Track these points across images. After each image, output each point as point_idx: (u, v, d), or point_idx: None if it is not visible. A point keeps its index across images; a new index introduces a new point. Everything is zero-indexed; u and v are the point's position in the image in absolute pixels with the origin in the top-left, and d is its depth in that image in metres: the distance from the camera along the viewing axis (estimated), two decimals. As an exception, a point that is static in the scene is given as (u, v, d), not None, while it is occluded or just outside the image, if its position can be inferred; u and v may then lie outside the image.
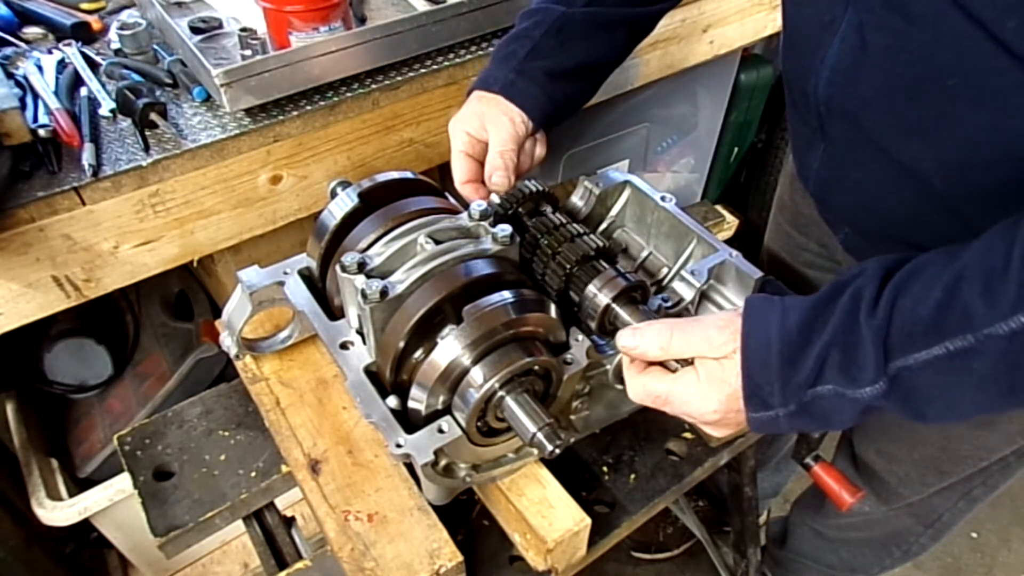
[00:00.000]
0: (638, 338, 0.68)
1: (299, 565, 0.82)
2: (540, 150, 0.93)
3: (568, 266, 0.77)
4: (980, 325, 0.52)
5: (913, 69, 0.68)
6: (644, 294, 0.78)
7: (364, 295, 0.68)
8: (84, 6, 1.24)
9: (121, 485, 1.35)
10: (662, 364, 0.70)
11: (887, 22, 0.68)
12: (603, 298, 0.75)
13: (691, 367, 0.67)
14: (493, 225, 0.76)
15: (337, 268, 0.72)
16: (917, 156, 0.74)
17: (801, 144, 0.96)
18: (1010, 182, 0.69)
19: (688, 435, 0.91)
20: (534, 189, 0.85)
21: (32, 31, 1.20)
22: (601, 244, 0.79)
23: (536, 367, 0.71)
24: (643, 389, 0.69)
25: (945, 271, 0.55)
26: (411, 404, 0.70)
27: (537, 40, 0.90)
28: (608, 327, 0.77)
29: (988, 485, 1.15)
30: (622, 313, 0.75)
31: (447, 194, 0.89)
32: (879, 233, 0.90)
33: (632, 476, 0.87)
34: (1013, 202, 0.68)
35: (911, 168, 0.76)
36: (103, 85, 1.07)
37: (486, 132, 0.88)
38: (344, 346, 0.76)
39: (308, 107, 1.07)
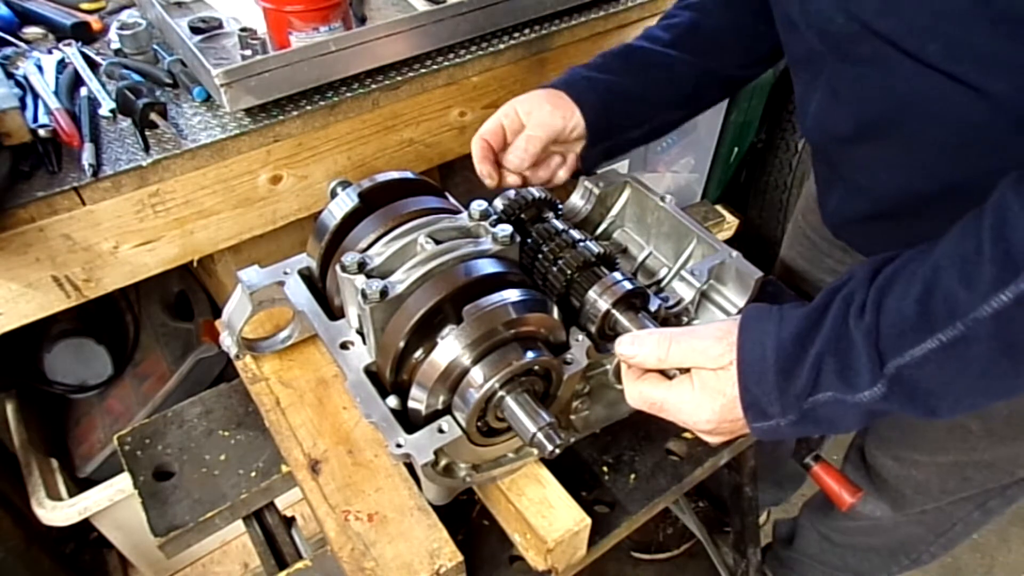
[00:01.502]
0: (637, 347, 0.69)
1: (299, 565, 0.82)
2: (564, 173, 0.96)
3: (569, 272, 0.78)
4: (965, 311, 0.52)
5: (880, 105, 0.73)
6: (644, 300, 0.79)
7: (364, 295, 0.68)
8: (84, 6, 1.25)
9: (121, 485, 1.35)
10: (660, 370, 0.70)
11: (846, 72, 0.74)
12: (603, 304, 0.76)
13: (687, 375, 0.68)
14: (493, 225, 0.76)
15: (337, 268, 0.72)
16: (907, 180, 0.78)
17: (821, 186, 0.99)
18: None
19: (688, 435, 0.91)
20: (536, 196, 0.86)
21: (32, 31, 1.20)
22: (601, 251, 0.80)
23: (536, 367, 0.71)
24: (639, 395, 0.70)
25: (922, 265, 0.56)
26: (411, 404, 0.70)
27: (608, 59, 0.95)
28: (608, 332, 0.78)
29: (1006, 497, 1.14)
30: (622, 319, 0.76)
31: (447, 194, 0.89)
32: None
33: (632, 476, 0.87)
34: None
35: (906, 191, 0.79)
36: (103, 85, 1.07)
37: (529, 119, 0.90)
38: (344, 346, 0.76)
39: (308, 107, 1.07)
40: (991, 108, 0.65)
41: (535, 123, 0.89)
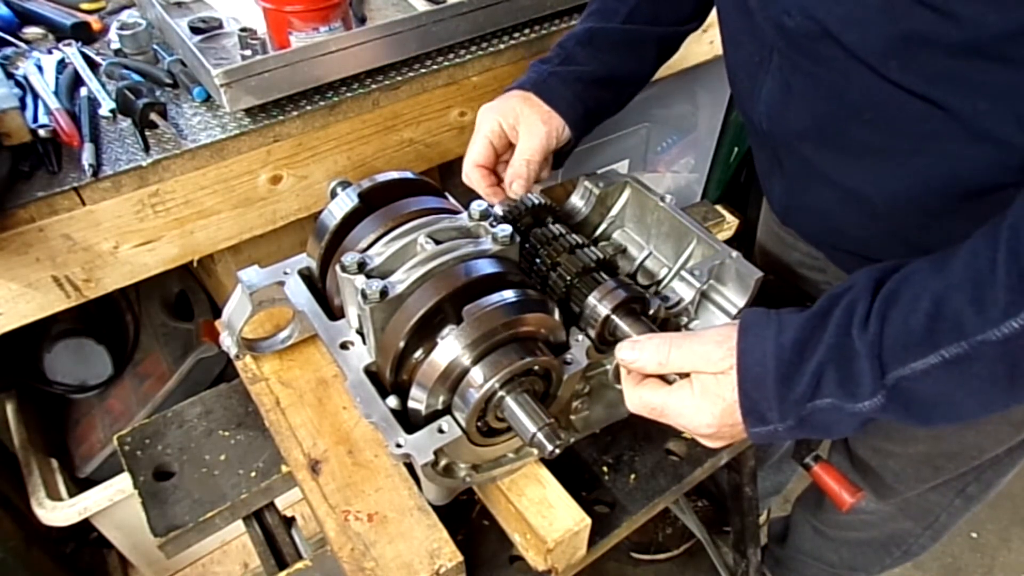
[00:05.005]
0: (637, 352, 0.69)
1: (299, 565, 0.82)
2: (545, 173, 0.95)
3: (568, 277, 0.79)
4: (973, 332, 0.52)
5: (832, 105, 0.73)
6: (644, 305, 0.79)
7: (364, 295, 0.68)
8: (84, 6, 1.24)
9: (121, 485, 1.35)
10: (660, 376, 0.70)
11: (801, 65, 0.73)
12: (603, 309, 0.76)
13: (687, 380, 0.68)
14: (493, 225, 0.76)
15: (337, 268, 0.72)
16: (857, 182, 0.78)
17: (763, 171, 0.99)
18: (945, 203, 0.72)
19: (688, 436, 0.91)
20: (535, 202, 0.86)
21: (32, 31, 1.19)
22: (601, 256, 0.81)
23: (536, 367, 0.71)
24: (639, 400, 0.70)
25: (932, 280, 0.56)
26: (411, 404, 0.70)
27: (570, 50, 0.94)
28: (608, 337, 0.78)
29: (983, 482, 1.16)
30: (622, 324, 0.76)
31: (447, 194, 0.89)
32: (842, 250, 0.93)
33: (632, 476, 0.87)
34: (955, 221, 0.71)
35: (855, 193, 0.79)
36: (103, 85, 1.07)
37: (516, 132, 0.90)
38: (344, 346, 0.76)
39: (308, 107, 1.07)
40: (947, 121, 0.65)
41: (528, 144, 0.89)
